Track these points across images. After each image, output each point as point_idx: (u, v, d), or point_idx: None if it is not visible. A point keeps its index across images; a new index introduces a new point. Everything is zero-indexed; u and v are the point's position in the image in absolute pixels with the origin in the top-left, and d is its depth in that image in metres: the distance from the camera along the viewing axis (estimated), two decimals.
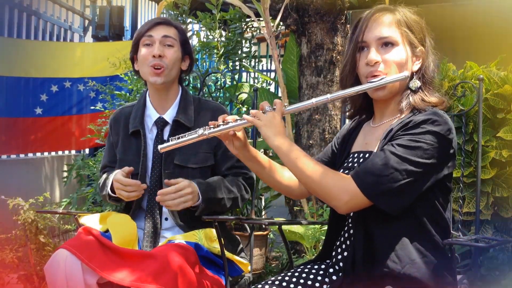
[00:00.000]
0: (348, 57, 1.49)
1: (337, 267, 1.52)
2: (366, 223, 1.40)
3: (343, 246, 1.51)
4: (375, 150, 1.46)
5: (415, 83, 1.44)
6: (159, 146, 1.56)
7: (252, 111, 1.46)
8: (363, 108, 1.59)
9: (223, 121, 1.50)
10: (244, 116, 1.46)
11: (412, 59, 1.45)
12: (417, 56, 1.46)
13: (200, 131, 1.50)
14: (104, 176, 2.06)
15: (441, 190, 1.41)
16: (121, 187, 1.87)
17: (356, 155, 1.54)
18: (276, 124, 1.41)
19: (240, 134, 1.52)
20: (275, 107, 1.44)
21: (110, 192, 1.97)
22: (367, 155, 1.49)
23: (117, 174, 1.89)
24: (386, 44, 1.43)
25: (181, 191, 1.81)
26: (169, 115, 2.05)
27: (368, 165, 1.35)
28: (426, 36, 1.49)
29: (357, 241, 1.42)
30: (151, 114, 2.07)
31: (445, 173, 1.38)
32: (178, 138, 1.53)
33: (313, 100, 1.44)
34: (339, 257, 1.52)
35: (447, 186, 1.43)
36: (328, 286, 1.50)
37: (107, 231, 1.92)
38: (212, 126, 1.50)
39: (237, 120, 1.49)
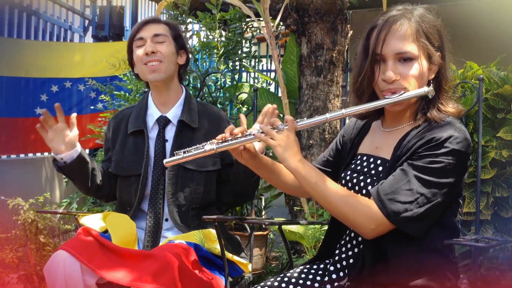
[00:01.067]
0: (365, 71, 1.39)
1: (338, 266, 1.51)
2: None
3: (348, 246, 1.49)
4: (388, 157, 1.42)
5: (431, 91, 1.38)
6: (164, 160, 1.54)
7: (263, 128, 1.39)
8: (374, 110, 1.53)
9: (231, 134, 1.46)
10: (256, 134, 1.40)
11: (429, 67, 1.40)
12: (434, 64, 1.40)
13: (208, 146, 1.46)
14: None
15: (454, 198, 1.40)
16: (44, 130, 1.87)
17: (365, 158, 1.50)
18: (292, 144, 1.36)
19: (249, 145, 1.50)
20: (286, 124, 1.39)
21: (56, 157, 1.92)
22: (378, 161, 1.45)
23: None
24: (405, 59, 1.36)
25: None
26: (172, 114, 2.06)
27: (392, 190, 1.31)
28: (444, 40, 1.42)
29: (367, 250, 1.40)
30: (153, 113, 2.07)
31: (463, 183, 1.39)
32: (184, 152, 1.50)
33: (327, 115, 1.39)
34: (343, 256, 1.50)
35: (459, 192, 1.42)
36: (328, 286, 1.49)
37: (106, 231, 1.92)
38: (220, 140, 1.46)
39: (245, 134, 1.45)
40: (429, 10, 1.43)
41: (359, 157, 1.53)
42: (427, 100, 1.40)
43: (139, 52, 2.02)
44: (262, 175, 1.59)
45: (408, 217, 1.29)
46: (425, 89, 1.37)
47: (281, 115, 3.13)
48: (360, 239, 1.45)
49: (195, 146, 1.50)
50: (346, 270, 1.48)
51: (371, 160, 1.48)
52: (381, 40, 1.37)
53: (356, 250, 1.46)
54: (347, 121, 3.33)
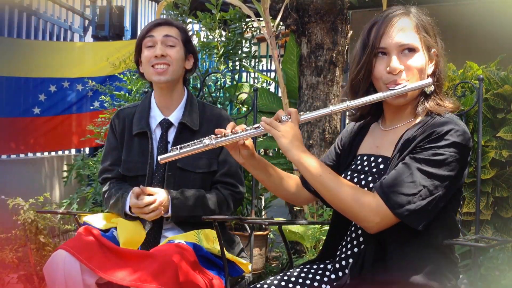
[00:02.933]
0: (363, 63, 1.42)
1: (337, 266, 1.51)
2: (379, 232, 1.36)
3: (349, 246, 1.49)
4: (389, 155, 1.43)
5: (430, 87, 1.41)
6: (159, 157, 1.51)
7: (267, 119, 1.40)
8: (372, 111, 1.55)
9: (231, 130, 1.45)
10: (261, 124, 1.40)
11: (428, 61, 1.43)
12: (431, 59, 1.44)
13: (207, 141, 1.43)
14: (115, 194, 1.99)
15: (454, 195, 1.40)
16: (139, 211, 1.88)
17: (365, 157, 1.51)
18: (295, 135, 1.37)
19: (248, 142, 1.49)
20: (290, 116, 1.40)
21: (128, 212, 1.95)
22: (379, 159, 1.46)
23: (132, 199, 1.87)
24: (408, 50, 1.39)
25: (152, 205, 1.86)
26: (174, 117, 2.05)
27: (395, 183, 1.31)
28: (438, 37, 1.46)
29: (368, 249, 1.39)
30: (156, 115, 2.07)
31: (464, 179, 1.39)
32: (180, 148, 1.46)
33: (331, 108, 1.40)
34: (343, 256, 1.50)
35: (459, 190, 1.42)
36: (328, 286, 1.49)
37: (107, 230, 1.92)
38: (219, 135, 1.45)
39: (246, 129, 1.44)
40: (421, 10, 1.48)
41: (359, 157, 1.53)
42: (426, 95, 1.42)
43: (147, 53, 2.01)
44: (258, 177, 1.57)
45: (412, 209, 1.29)
46: (429, 80, 1.40)
47: None
48: (361, 239, 1.45)
49: (193, 142, 1.47)
50: (346, 270, 1.48)
51: (372, 159, 1.48)
52: (382, 33, 1.40)
53: (356, 249, 1.46)
54: (346, 124, 3.32)
